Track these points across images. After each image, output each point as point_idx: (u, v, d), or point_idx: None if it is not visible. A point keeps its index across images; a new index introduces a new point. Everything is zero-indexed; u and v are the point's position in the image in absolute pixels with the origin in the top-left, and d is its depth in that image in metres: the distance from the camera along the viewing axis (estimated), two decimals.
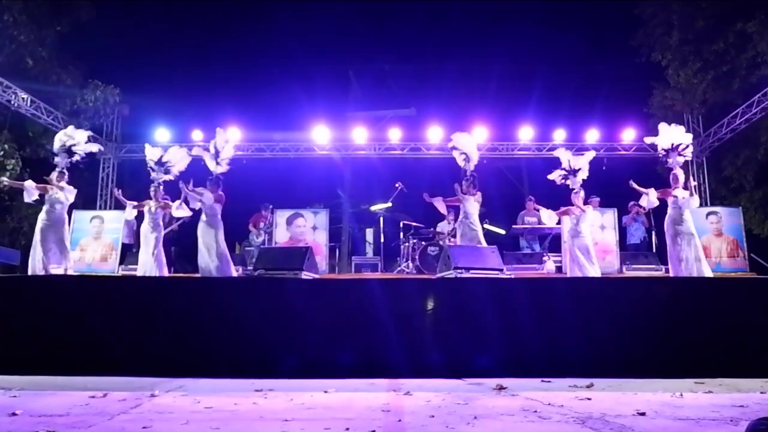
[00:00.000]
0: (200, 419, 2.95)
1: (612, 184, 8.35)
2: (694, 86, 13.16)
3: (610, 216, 10.63)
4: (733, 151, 13.68)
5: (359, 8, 15.58)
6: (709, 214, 10.72)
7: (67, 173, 7.78)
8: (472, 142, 8.80)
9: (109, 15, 13.66)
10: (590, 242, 8.06)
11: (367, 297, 5.08)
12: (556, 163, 8.54)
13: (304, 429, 2.69)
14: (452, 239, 9.89)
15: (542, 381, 4.32)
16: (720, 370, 4.49)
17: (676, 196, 7.50)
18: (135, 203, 8.19)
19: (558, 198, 8.60)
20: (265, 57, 15.50)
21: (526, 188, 16.93)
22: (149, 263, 7.94)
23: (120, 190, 8.35)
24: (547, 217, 8.36)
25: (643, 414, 3.02)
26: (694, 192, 7.61)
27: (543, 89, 14.65)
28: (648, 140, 8.20)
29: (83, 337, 4.84)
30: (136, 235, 10.59)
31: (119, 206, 8.58)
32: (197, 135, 13.32)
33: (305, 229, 10.83)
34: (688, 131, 8.82)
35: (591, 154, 8.47)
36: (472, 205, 8.12)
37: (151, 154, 8.25)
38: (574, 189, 8.13)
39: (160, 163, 8.16)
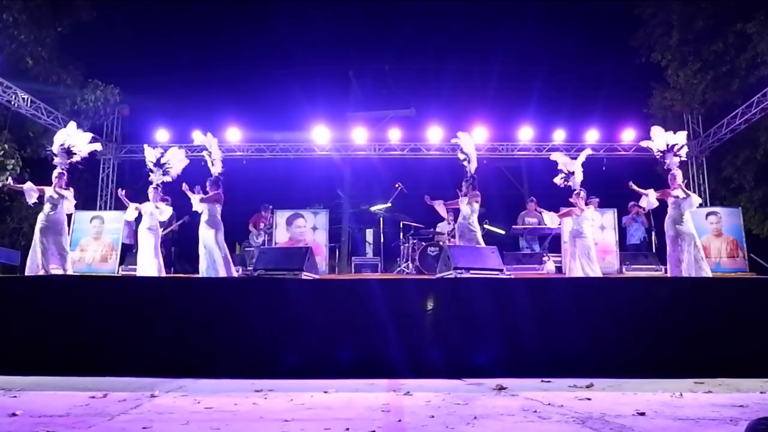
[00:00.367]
0: (200, 419, 2.95)
1: (612, 184, 8.37)
2: (694, 86, 13.17)
3: (610, 216, 10.65)
4: (733, 151, 13.69)
5: (359, 9, 15.59)
6: (708, 214, 10.73)
7: (66, 174, 7.77)
8: (472, 144, 8.79)
9: (109, 15, 13.66)
10: (591, 243, 8.07)
11: (367, 297, 5.08)
12: (556, 164, 8.56)
13: (304, 429, 2.70)
14: (452, 239, 9.90)
15: (542, 381, 4.32)
16: (720, 370, 4.49)
17: (676, 197, 7.50)
18: (137, 205, 8.19)
19: (557, 198, 8.62)
20: (265, 57, 15.53)
21: (526, 189, 16.95)
22: (150, 266, 7.93)
23: (124, 191, 8.34)
24: (549, 219, 8.39)
25: (642, 414, 3.03)
26: (689, 192, 7.62)
27: (543, 89, 14.70)
28: (644, 144, 8.24)
29: (83, 337, 4.84)
30: (136, 235, 10.63)
31: (119, 206, 8.58)
32: (197, 135, 13.34)
33: (305, 229, 10.85)
34: (687, 131, 8.85)
35: (586, 153, 8.48)
36: (472, 206, 8.12)
37: (150, 155, 8.25)
38: (575, 190, 8.14)
39: (158, 164, 8.17)
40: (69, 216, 8.12)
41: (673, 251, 7.40)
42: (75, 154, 7.95)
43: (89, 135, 8.28)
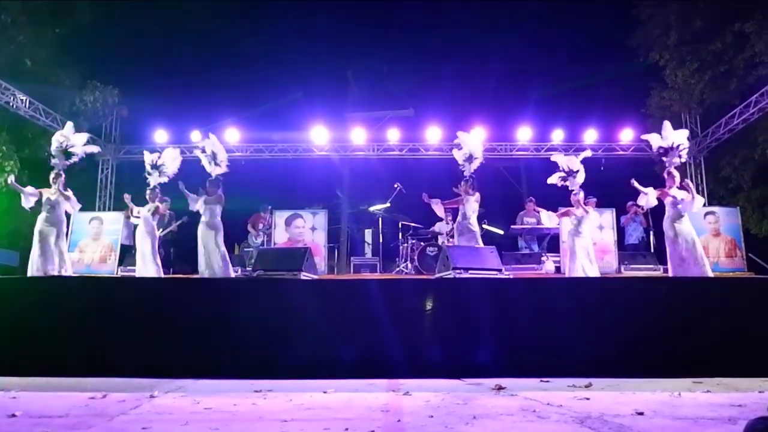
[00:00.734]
0: (200, 420, 2.95)
1: (610, 184, 8.36)
2: (692, 86, 13.20)
3: (609, 216, 10.66)
4: (731, 151, 13.71)
5: (358, 9, 15.59)
6: (706, 214, 10.73)
7: (64, 175, 7.76)
8: (479, 141, 8.70)
9: (108, 16, 13.66)
10: (590, 243, 8.07)
11: (366, 298, 5.09)
12: (554, 164, 8.54)
13: (303, 429, 2.70)
14: (451, 239, 9.90)
15: (541, 381, 4.33)
16: (718, 370, 4.50)
17: (674, 197, 7.49)
18: (140, 209, 8.17)
19: (557, 198, 8.61)
20: (263, 58, 15.49)
21: (525, 189, 16.95)
22: (148, 267, 7.90)
23: (130, 196, 8.30)
24: (548, 219, 8.36)
25: (641, 413, 3.03)
26: (695, 194, 7.61)
27: (541, 90, 14.70)
28: (651, 138, 8.13)
29: (82, 338, 4.84)
30: (134, 236, 10.63)
31: (118, 207, 8.56)
32: (196, 136, 13.34)
33: (304, 229, 10.85)
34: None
35: (586, 154, 8.45)
36: (472, 205, 8.12)
37: (148, 159, 8.23)
38: (573, 190, 8.13)
39: (155, 166, 8.15)
40: (68, 216, 8.10)
41: (674, 251, 7.39)
42: (73, 155, 7.93)
43: (86, 135, 8.25)
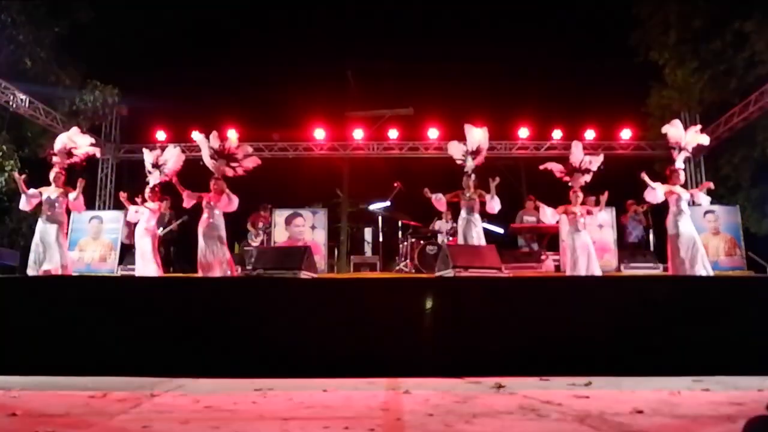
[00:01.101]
0: (200, 418, 2.95)
1: (609, 182, 8.33)
2: (692, 85, 13.19)
3: (608, 214, 10.65)
4: (731, 149, 13.72)
5: (357, 8, 15.59)
6: (706, 212, 10.74)
7: (64, 174, 7.77)
8: (485, 136, 8.62)
9: (107, 15, 13.65)
10: (590, 240, 8.05)
11: (366, 296, 5.09)
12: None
13: (303, 428, 2.70)
14: (450, 238, 9.90)
15: (540, 379, 4.33)
16: (718, 368, 4.50)
17: (679, 194, 7.50)
18: (137, 208, 8.17)
19: (556, 197, 8.60)
20: (263, 57, 15.48)
21: (524, 187, 16.95)
22: (148, 267, 7.89)
23: (126, 194, 8.31)
24: (550, 215, 8.24)
25: (641, 412, 3.03)
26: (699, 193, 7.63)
27: (540, 88, 14.69)
28: (666, 128, 8.06)
29: (82, 337, 4.84)
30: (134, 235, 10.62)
31: (118, 206, 8.56)
32: (196, 135, 13.34)
33: (304, 228, 10.86)
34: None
35: (599, 161, 8.31)
36: (475, 202, 8.10)
37: (149, 158, 8.23)
38: (572, 187, 8.08)
39: (155, 165, 8.15)
40: (68, 214, 8.11)
41: (676, 249, 7.38)
42: (75, 156, 7.96)
43: (90, 138, 8.26)
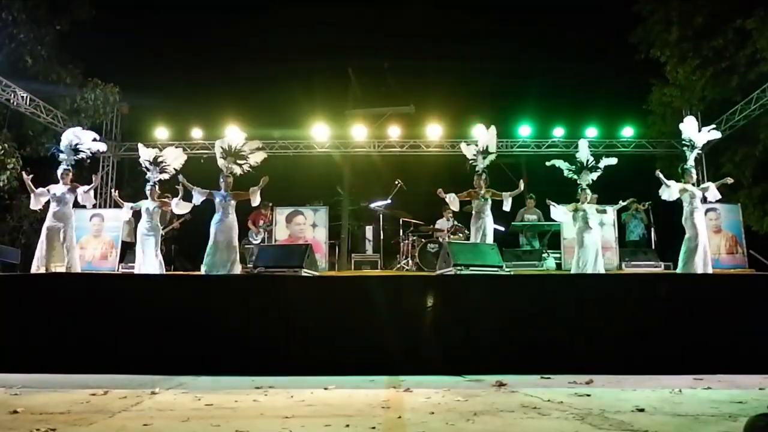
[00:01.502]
0: (201, 416, 2.96)
1: (611, 181, 8.32)
2: (693, 83, 13.17)
3: (609, 213, 10.63)
4: (732, 147, 13.69)
5: (358, 5, 15.56)
6: (707, 210, 10.71)
7: (72, 171, 7.80)
8: (494, 135, 8.61)
9: (108, 13, 13.66)
10: (599, 238, 8.05)
11: (367, 294, 5.10)
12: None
13: (304, 426, 2.70)
14: (451, 236, 9.91)
15: (541, 378, 4.33)
16: (719, 367, 4.50)
17: (693, 192, 7.53)
18: (131, 204, 8.17)
19: (558, 196, 8.58)
20: (264, 55, 15.46)
21: (526, 185, 16.91)
22: (150, 264, 7.89)
23: (117, 191, 8.34)
24: (562, 214, 8.20)
25: (642, 410, 3.03)
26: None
27: (541, 86, 14.66)
28: (683, 125, 8.08)
29: (83, 335, 4.85)
30: (136, 233, 10.62)
31: (119, 204, 8.56)
32: (197, 133, 13.36)
33: (305, 226, 10.84)
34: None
35: (611, 161, 8.27)
36: (487, 201, 8.11)
37: (145, 154, 8.20)
38: (580, 185, 8.06)
39: (155, 162, 8.15)
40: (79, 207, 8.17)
41: (691, 246, 7.38)
42: (82, 152, 7.99)
43: (95, 134, 8.29)
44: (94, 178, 8.10)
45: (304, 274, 6.20)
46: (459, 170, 8.46)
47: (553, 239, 10.72)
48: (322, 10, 15.32)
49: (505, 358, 4.71)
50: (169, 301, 5.12)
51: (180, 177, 7.93)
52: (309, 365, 4.59)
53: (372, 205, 10.94)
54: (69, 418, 2.88)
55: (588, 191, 8.02)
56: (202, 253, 9.23)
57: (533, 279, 6.55)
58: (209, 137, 13.30)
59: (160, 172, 8.14)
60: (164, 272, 8.03)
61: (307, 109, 14.01)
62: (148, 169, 8.14)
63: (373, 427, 2.65)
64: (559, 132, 13.45)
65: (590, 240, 7.83)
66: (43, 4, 12.65)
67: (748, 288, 5.23)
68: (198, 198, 7.77)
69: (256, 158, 8.12)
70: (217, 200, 7.74)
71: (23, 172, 7.76)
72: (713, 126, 8.36)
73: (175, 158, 8.26)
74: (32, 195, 7.63)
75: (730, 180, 8.16)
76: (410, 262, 9.95)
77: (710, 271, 7.39)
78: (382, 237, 10.71)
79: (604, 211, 8.11)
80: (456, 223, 10.25)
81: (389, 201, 10.60)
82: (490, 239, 8.01)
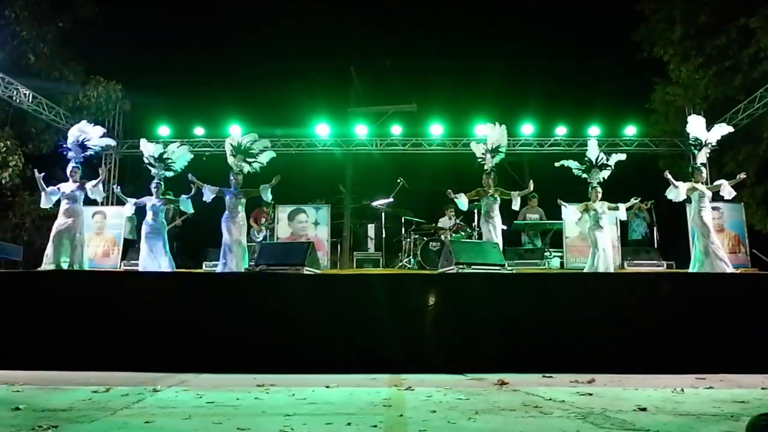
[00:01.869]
0: (202, 414, 2.96)
1: (613, 179, 8.29)
2: (696, 82, 13.12)
3: (622, 210, 10.61)
4: (735, 146, 13.63)
5: (360, 4, 15.55)
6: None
7: (80, 168, 7.80)
8: (504, 134, 8.59)
9: (110, 11, 13.66)
10: (608, 238, 8.03)
11: (369, 292, 5.10)
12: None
13: (306, 424, 2.70)
14: (453, 234, 9.90)
15: (543, 376, 4.33)
16: (721, 366, 4.50)
17: (702, 191, 7.53)
18: (135, 200, 8.15)
19: (558, 194, 8.57)
20: (266, 53, 15.45)
21: (528, 184, 16.89)
22: (160, 261, 7.86)
23: (120, 187, 8.33)
24: (572, 213, 8.19)
25: (644, 409, 3.03)
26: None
27: (544, 85, 14.63)
28: (689, 127, 8.10)
29: (85, 332, 4.85)
30: (138, 231, 10.61)
31: (121, 202, 8.55)
32: (199, 131, 13.36)
33: (307, 224, 10.83)
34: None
35: (620, 157, 8.24)
36: (496, 200, 8.11)
37: (149, 150, 8.17)
38: (591, 183, 8.04)
39: (160, 159, 8.13)
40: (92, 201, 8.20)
41: (700, 244, 7.38)
42: (89, 148, 7.99)
43: (101, 129, 8.29)
44: (100, 171, 8.15)
45: (306, 272, 6.20)
46: (461, 168, 8.45)
47: (555, 238, 10.71)
48: (324, 9, 15.31)
49: (506, 356, 4.71)
50: (171, 298, 5.13)
51: (189, 175, 7.95)
52: (310, 363, 4.60)
53: (374, 204, 10.93)
54: (71, 415, 2.88)
55: (599, 189, 8.00)
56: (204, 251, 9.26)
57: (535, 278, 6.55)
58: (212, 135, 13.32)
59: (165, 169, 8.13)
60: (174, 269, 7.99)
61: (309, 107, 14.01)
62: (152, 166, 8.12)
63: (375, 426, 2.65)
64: (561, 131, 13.42)
65: (602, 238, 7.82)
66: (46, 1, 12.65)
67: (750, 287, 5.23)
68: (208, 195, 7.81)
69: (265, 158, 8.16)
70: (227, 197, 7.81)
71: (34, 171, 7.74)
72: (722, 124, 8.33)
73: (180, 156, 8.25)
74: (43, 193, 7.63)
75: (743, 175, 8.14)
76: (412, 260, 9.94)
77: (729, 269, 7.39)
78: (384, 235, 10.69)
79: (617, 209, 8.09)
80: (458, 221, 10.24)
81: (391, 199, 10.59)
82: (499, 238, 8.01)
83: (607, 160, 8.09)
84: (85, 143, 7.93)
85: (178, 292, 5.23)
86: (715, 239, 7.43)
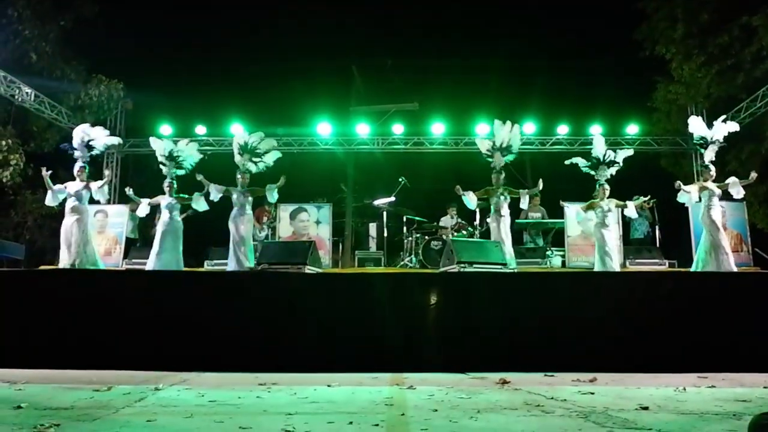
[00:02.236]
0: (204, 413, 2.96)
1: (615, 178, 8.28)
2: (699, 80, 13.10)
3: (630, 207, 10.60)
4: (738, 145, 13.60)
5: (361, 3, 15.54)
6: None
7: (87, 167, 7.82)
8: (518, 135, 8.54)
9: (112, 10, 13.68)
10: (615, 236, 8.02)
11: (371, 291, 5.10)
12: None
13: (307, 423, 2.70)
14: (454, 233, 9.90)
15: (545, 375, 4.33)
16: (723, 365, 4.49)
17: (712, 190, 7.53)
18: (149, 200, 8.13)
19: (559, 193, 8.56)
20: (267, 52, 15.45)
21: (530, 183, 16.89)
22: (171, 258, 7.85)
23: (131, 189, 8.29)
24: (575, 212, 8.19)
25: (646, 408, 3.03)
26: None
27: (546, 84, 14.62)
28: (692, 127, 8.10)
29: (87, 331, 4.86)
30: (140, 229, 10.62)
31: (123, 200, 8.55)
32: (201, 129, 13.37)
33: (308, 223, 10.82)
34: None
35: (628, 152, 8.23)
36: (506, 198, 8.10)
37: (160, 147, 8.15)
38: (599, 180, 8.02)
39: (171, 157, 8.10)
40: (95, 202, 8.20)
41: (714, 242, 7.39)
42: (95, 148, 8.02)
43: (105, 130, 8.31)
44: (105, 173, 8.14)
45: (307, 270, 6.21)
46: (463, 167, 8.44)
47: (557, 237, 10.70)
48: (325, 8, 15.31)
49: (508, 355, 4.71)
50: (173, 297, 5.13)
51: (199, 175, 7.97)
52: (312, 362, 4.60)
53: (376, 203, 10.93)
54: (73, 414, 2.89)
55: (607, 186, 7.96)
56: (206, 250, 9.25)
57: (536, 276, 6.54)
58: (213, 134, 13.33)
59: (177, 168, 8.11)
60: (182, 268, 7.95)
61: (311, 106, 14.01)
62: (164, 165, 8.10)
63: (377, 425, 2.65)
64: (563, 130, 13.42)
65: (610, 237, 7.81)
66: (48, 0, 12.67)
67: (752, 286, 5.21)
68: (215, 194, 7.84)
69: (271, 158, 8.19)
70: (234, 196, 7.87)
71: (42, 169, 7.76)
72: (723, 117, 8.32)
73: (190, 153, 8.24)
74: (49, 192, 7.67)
75: (755, 174, 8.13)
76: (414, 259, 9.94)
77: (734, 268, 7.38)
78: (385, 234, 10.69)
79: (625, 206, 8.07)
80: (460, 220, 10.24)
81: (393, 198, 10.59)
82: (509, 237, 8.00)
83: (615, 156, 8.07)
84: (90, 143, 7.96)
85: (180, 291, 5.23)
86: (724, 237, 7.44)
